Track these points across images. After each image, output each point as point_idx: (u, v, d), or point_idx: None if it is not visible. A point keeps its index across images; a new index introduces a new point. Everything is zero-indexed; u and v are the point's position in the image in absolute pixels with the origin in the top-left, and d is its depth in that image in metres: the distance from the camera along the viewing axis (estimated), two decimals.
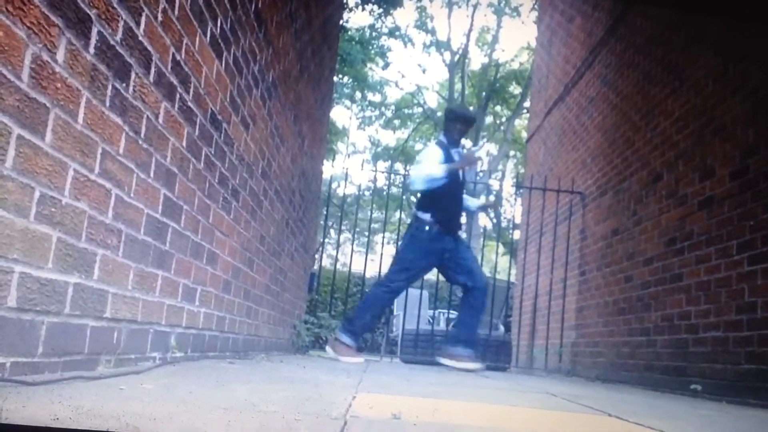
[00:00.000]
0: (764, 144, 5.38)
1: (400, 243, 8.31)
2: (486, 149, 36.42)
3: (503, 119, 37.06)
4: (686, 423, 3.14)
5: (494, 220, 33.07)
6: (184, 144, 3.58)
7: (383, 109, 38.50)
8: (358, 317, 7.46)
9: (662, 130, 7.36)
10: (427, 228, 7.58)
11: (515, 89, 34.93)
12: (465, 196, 8.18)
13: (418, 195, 7.96)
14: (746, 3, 5.88)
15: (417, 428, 2.03)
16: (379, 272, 12.12)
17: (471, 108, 35.34)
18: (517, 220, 14.71)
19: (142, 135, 3.00)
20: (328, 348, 7.57)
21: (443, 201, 7.62)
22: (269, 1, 5.26)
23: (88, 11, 2.39)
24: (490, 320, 11.40)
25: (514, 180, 14.35)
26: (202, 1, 3.65)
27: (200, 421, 1.84)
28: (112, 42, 2.60)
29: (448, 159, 7.67)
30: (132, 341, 3.13)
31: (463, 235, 8.54)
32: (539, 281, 11.06)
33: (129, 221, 2.95)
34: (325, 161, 10.76)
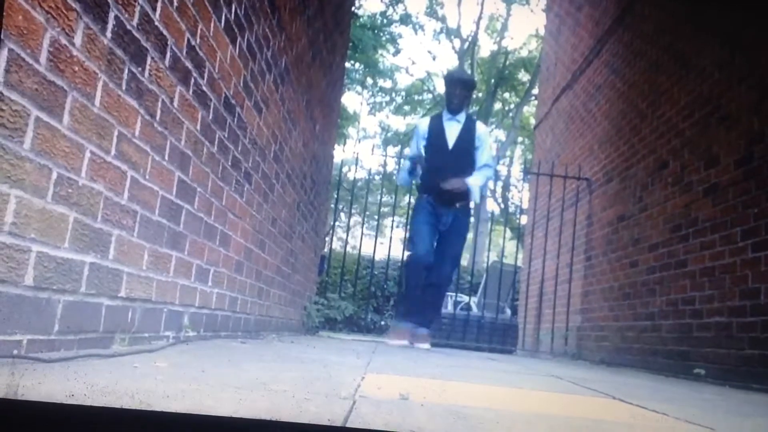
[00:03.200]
0: None
1: None
2: (495, 134, 36.29)
3: (512, 106, 36.94)
4: (689, 406, 3.17)
5: (502, 205, 33.08)
6: (198, 127, 3.63)
7: (393, 95, 38.42)
8: (402, 301, 7.89)
9: (668, 118, 7.37)
10: (420, 196, 7.92)
11: (524, 76, 34.82)
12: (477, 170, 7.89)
13: None
14: None
15: (424, 409, 2.06)
16: (388, 255, 12.20)
17: (478, 94, 35.34)
18: (525, 206, 14.69)
19: (158, 118, 3.04)
20: (388, 341, 7.71)
21: (429, 174, 7.76)
22: None
23: None
24: (497, 303, 11.45)
25: (522, 166, 14.34)
26: None
27: (212, 399, 1.87)
28: (128, 27, 2.64)
29: (437, 130, 7.84)
30: (146, 320, 3.17)
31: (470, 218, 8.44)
32: (546, 266, 11.08)
33: (144, 202, 2.99)
34: (336, 146, 10.77)
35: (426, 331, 7.61)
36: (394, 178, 9.19)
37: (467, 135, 7.85)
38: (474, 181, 7.77)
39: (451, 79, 8.02)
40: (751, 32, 5.89)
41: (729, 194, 5.86)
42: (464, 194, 7.69)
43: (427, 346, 7.40)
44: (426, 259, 7.55)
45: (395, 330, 7.69)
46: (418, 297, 7.64)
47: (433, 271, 7.59)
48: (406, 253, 8.02)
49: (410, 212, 8.77)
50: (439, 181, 7.59)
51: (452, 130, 7.86)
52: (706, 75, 6.60)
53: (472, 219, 8.34)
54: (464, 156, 7.80)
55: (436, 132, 7.89)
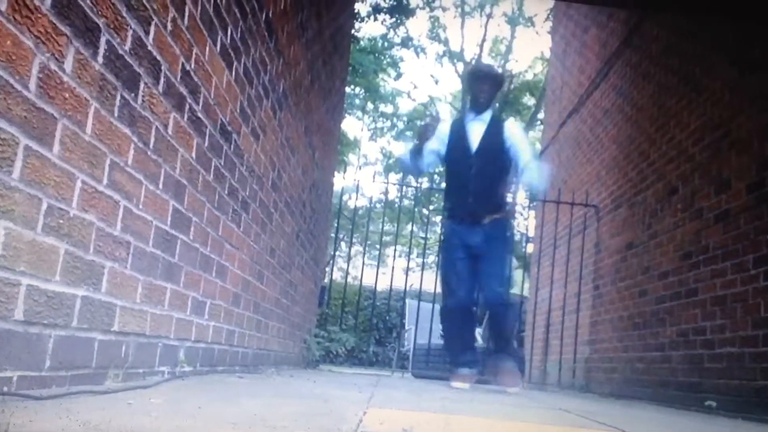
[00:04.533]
0: None
1: None
2: None
3: None
4: None
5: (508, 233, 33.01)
6: (193, 155, 3.56)
7: (395, 120, 38.50)
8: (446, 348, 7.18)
9: (678, 143, 7.31)
10: (446, 221, 6.96)
11: (529, 100, 34.90)
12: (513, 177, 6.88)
13: None
14: (766, 8, 5.83)
15: None
16: (390, 285, 12.11)
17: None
18: (531, 234, 14.63)
19: (151, 146, 2.98)
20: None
21: (449, 185, 6.91)
22: (280, 11, 5.26)
23: (97, 20, 2.37)
24: None
25: (528, 193, 14.30)
26: (213, 10, 3.64)
27: None
28: (120, 51, 2.58)
29: (458, 134, 6.72)
30: (140, 355, 3.11)
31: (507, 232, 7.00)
32: (553, 295, 11.01)
33: (137, 233, 2.93)
34: (336, 173, 10.75)
35: (513, 365, 6.48)
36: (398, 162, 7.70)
37: (495, 135, 6.65)
38: (529, 175, 6.64)
39: (478, 74, 6.93)
40: (761, 50, 5.83)
41: (741, 220, 5.78)
42: (496, 206, 6.57)
43: (515, 389, 6.21)
44: (466, 301, 6.56)
45: (456, 376, 6.49)
46: (460, 336, 6.73)
47: (482, 293, 6.59)
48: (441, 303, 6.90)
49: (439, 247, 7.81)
50: (461, 195, 6.62)
51: (476, 131, 6.68)
52: (716, 97, 6.54)
53: (512, 233, 7.15)
54: (493, 161, 6.59)
55: (457, 136, 6.73)
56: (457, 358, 6.60)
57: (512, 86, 34.67)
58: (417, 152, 6.54)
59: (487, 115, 6.75)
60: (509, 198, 6.88)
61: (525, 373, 11.27)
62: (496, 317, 6.78)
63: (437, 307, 12.46)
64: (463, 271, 6.50)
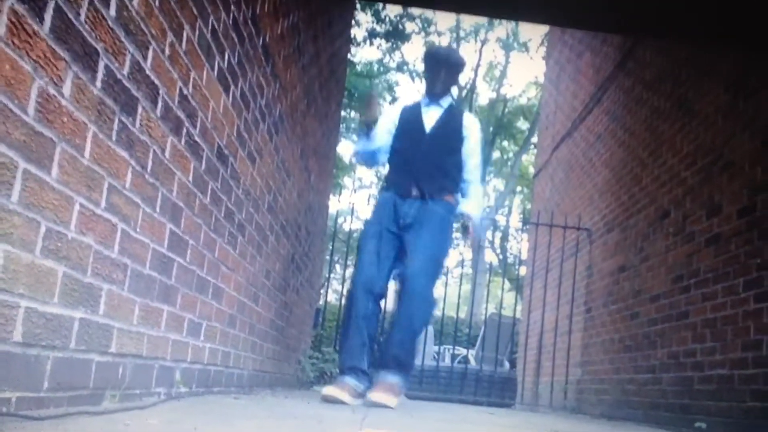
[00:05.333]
0: None
1: None
2: (493, 185, 36.38)
3: (510, 155, 37.13)
4: None
5: (500, 256, 33.07)
6: (190, 178, 3.59)
7: None
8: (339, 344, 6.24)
9: (670, 167, 7.36)
10: (382, 192, 6.41)
11: (523, 124, 35.04)
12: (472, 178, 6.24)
13: None
14: (759, 33, 5.88)
15: None
16: (384, 307, 12.10)
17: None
18: (524, 256, 14.66)
19: (149, 169, 3.01)
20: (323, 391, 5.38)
21: (394, 162, 6.20)
22: (277, 36, 5.30)
23: (95, 45, 2.40)
24: (495, 356, 11.38)
25: (521, 216, 14.34)
26: (210, 35, 3.67)
27: None
28: (119, 76, 2.61)
29: (412, 116, 6.21)
30: (137, 376, 3.12)
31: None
32: (545, 317, 11.03)
33: (135, 256, 2.95)
34: (331, 196, 10.78)
35: (394, 378, 5.47)
36: (354, 159, 6.99)
37: (451, 122, 6.21)
38: (472, 209, 6.19)
39: (436, 58, 6.30)
40: (754, 76, 5.88)
41: (732, 244, 5.82)
42: (442, 188, 5.98)
43: (391, 400, 5.17)
44: (375, 285, 5.74)
45: (335, 384, 5.51)
46: (362, 331, 5.62)
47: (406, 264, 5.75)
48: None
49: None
50: (411, 173, 5.99)
51: (431, 115, 6.18)
52: (709, 122, 6.59)
53: (454, 221, 6.19)
54: (444, 147, 6.10)
55: (410, 118, 6.22)
56: (344, 360, 5.62)
57: (506, 110, 34.75)
58: (366, 130, 6.09)
59: (446, 102, 6.30)
60: (453, 198, 6.06)
61: (517, 393, 11.29)
62: (402, 304, 5.74)
63: (431, 329, 12.51)
64: (385, 246, 5.82)
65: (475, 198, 6.25)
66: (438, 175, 5.99)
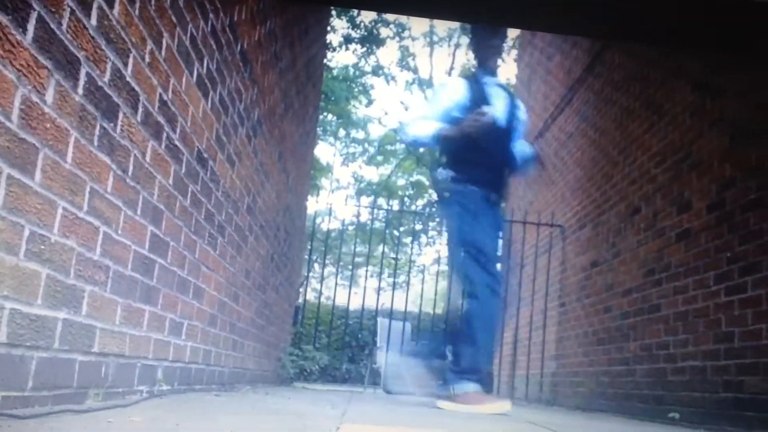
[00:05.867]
0: (740, 177, 5.47)
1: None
2: None
3: None
4: None
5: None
6: (170, 182, 3.64)
7: (366, 145, 38.57)
8: (464, 350, 5.38)
9: (640, 165, 7.45)
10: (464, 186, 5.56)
11: None
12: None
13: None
14: (724, 37, 5.97)
15: None
16: (363, 305, 12.18)
17: None
18: (498, 253, 14.67)
19: (130, 173, 3.05)
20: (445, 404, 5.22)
21: (468, 158, 5.56)
22: (254, 42, 5.34)
23: (77, 53, 2.44)
24: None
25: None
26: (189, 42, 3.72)
27: None
28: (100, 83, 2.65)
29: (479, 97, 5.58)
30: (120, 375, 3.16)
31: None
32: (520, 312, 11.11)
33: (116, 258, 2.99)
34: (309, 197, 10.82)
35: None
36: (404, 133, 5.85)
37: (513, 110, 5.82)
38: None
39: (485, 31, 5.79)
40: (721, 77, 5.97)
41: (701, 239, 5.91)
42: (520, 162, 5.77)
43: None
44: (500, 290, 5.59)
45: (476, 395, 5.21)
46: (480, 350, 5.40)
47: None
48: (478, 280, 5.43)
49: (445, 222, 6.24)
50: (493, 173, 5.65)
51: (500, 100, 5.72)
52: (677, 121, 6.68)
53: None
54: (510, 141, 5.78)
55: (478, 100, 5.58)
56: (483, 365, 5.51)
57: None
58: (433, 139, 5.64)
59: (502, 83, 5.94)
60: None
61: (493, 387, 11.35)
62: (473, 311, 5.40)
63: (408, 325, 12.57)
64: (494, 243, 5.59)
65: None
66: (507, 177, 5.90)
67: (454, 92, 5.69)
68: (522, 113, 5.98)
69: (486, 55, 5.83)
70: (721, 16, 4.76)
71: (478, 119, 5.29)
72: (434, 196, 36.25)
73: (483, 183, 5.56)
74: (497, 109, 5.59)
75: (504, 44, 6.07)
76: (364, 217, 21.93)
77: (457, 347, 5.44)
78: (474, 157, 5.53)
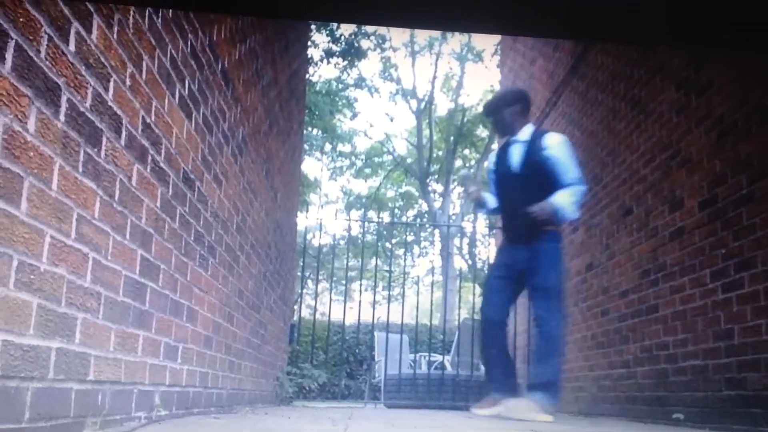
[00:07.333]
0: (731, 173, 5.45)
1: None
2: (457, 192, 36.47)
3: (472, 162, 37.20)
4: None
5: (469, 261, 33.15)
6: (158, 204, 3.62)
7: (353, 158, 38.78)
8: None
9: (629, 165, 7.44)
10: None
11: (482, 132, 35.11)
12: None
13: None
14: (708, 33, 5.96)
15: None
16: (358, 319, 12.15)
17: (438, 153, 35.57)
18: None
19: (116, 198, 3.03)
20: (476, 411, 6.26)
21: (500, 206, 6.71)
22: (235, 61, 5.33)
23: (57, 80, 2.42)
24: (471, 361, 11.41)
25: (487, 221, 14.41)
26: (170, 63, 3.71)
27: None
28: (81, 109, 2.63)
29: (502, 157, 6.60)
30: (117, 402, 3.13)
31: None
32: (517, 320, 11.08)
33: (107, 284, 2.96)
34: (298, 213, 10.81)
35: (540, 396, 5.88)
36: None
37: (535, 154, 6.32)
38: (562, 198, 6.18)
39: (488, 110, 6.84)
40: (705, 73, 5.97)
41: (695, 237, 5.90)
42: (544, 222, 6.19)
43: (544, 416, 5.65)
44: (493, 316, 6.42)
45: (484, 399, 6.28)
46: (496, 359, 6.48)
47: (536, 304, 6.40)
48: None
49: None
50: (511, 219, 6.51)
51: (516, 152, 6.44)
52: (664, 120, 6.67)
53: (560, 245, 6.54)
54: (536, 183, 6.25)
55: (501, 159, 6.60)
56: (490, 378, 6.53)
57: (465, 119, 34.89)
58: (479, 204, 6.86)
59: (527, 133, 6.46)
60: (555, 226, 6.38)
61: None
62: (543, 339, 6.32)
63: (405, 337, 12.56)
64: (496, 288, 6.51)
65: (564, 192, 6.21)
66: (529, 220, 6.17)
67: (489, 161, 6.89)
68: (552, 149, 6.32)
69: (502, 128, 6.66)
70: (702, 12, 4.75)
71: (469, 194, 6.89)
72: (425, 207, 36.62)
73: (503, 228, 6.76)
74: (514, 159, 6.43)
75: (508, 110, 6.54)
76: (355, 230, 21.98)
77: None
78: (501, 205, 6.70)
